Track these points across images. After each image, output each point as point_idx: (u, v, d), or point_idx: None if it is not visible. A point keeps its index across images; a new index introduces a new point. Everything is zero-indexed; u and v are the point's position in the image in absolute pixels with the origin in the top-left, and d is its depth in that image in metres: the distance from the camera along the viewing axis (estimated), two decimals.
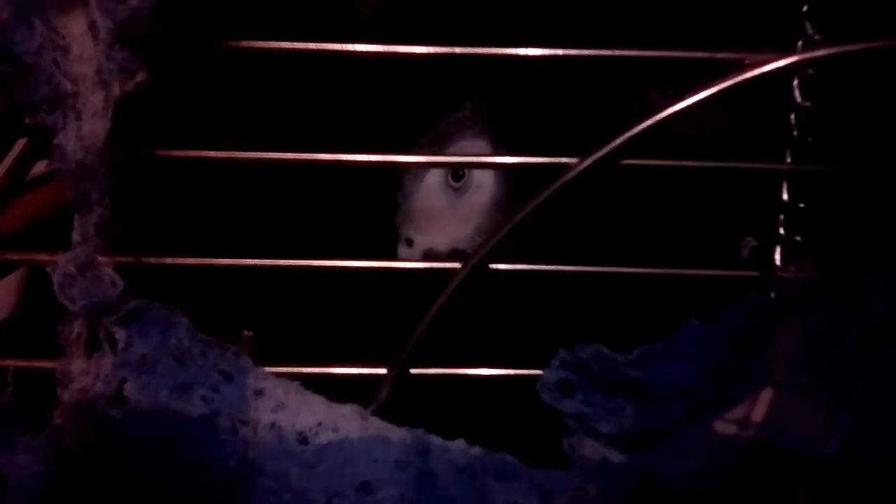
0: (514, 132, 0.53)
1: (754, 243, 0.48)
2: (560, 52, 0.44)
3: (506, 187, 0.53)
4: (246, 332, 0.46)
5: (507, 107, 0.53)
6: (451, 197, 0.53)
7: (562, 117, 0.51)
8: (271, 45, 0.44)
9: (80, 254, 0.41)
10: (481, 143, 0.53)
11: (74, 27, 0.40)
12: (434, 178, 0.54)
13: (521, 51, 0.44)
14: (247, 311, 0.48)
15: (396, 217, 0.54)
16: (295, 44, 0.43)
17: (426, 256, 0.53)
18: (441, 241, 0.53)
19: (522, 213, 0.45)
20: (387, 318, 0.49)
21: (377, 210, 0.52)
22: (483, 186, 0.53)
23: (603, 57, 0.44)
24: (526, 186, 0.43)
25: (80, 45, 0.41)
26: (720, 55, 0.44)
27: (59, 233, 0.42)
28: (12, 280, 0.57)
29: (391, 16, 0.51)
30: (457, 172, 0.53)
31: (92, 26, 0.40)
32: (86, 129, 0.41)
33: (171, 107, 0.46)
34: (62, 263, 0.41)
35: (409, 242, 0.54)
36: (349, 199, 0.50)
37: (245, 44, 0.43)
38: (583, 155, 0.43)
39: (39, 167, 0.52)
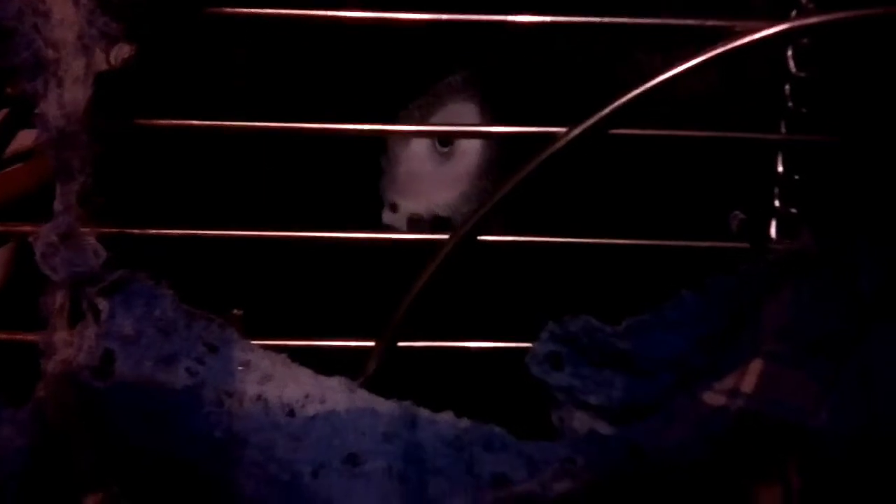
0: (505, 97, 0.52)
1: (742, 216, 0.48)
2: (547, 18, 0.43)
3: (494, 153, 0.52)
4: (235, 311, 0.46)
5: (498, 71, 0.52)
6: (438, 162, 0.52)
7: (553, 82, 0.51)
8: (255, 12, 0.43)
9: (61, 223, 0.41)
10: (471, 108, 0.53)
11: None
12: (421, 143, 0.53)
13: (509, 18, 0.43)
14: (232, 284, 0.48)
15: (381, 182, 0.53)
16: (279, 10, 0.42)
17: (411, 221, 0.53)
18: (426, 207, 0.53)
19: (510, 183, 0.44)
20: (374, 289, 0.49)
21: (362, 177, 0.51)
22: (470, 152, 0.53)
23: (591, 24, 0.44)
24: (515, 153, 0.43)
25: (61, 10, 0.40)
26: (710, 23, 0.44)
27: (43, 207, 0.42)
28: (1, 256, 0.57)
29: None
30: (445, 138, 0.52)
31: None
32: (67, 96, 0.40)
33: (155, 74, 0.45)
34: (44, 233, 0.41)
35: (394, 207, 0.53)
36: (334, 167, 0.49)
37: (229, 10, 0.43)
38: (573, 121, 0.43)
39: (26, 141, 0.51)
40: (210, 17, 0.43)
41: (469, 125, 0.52)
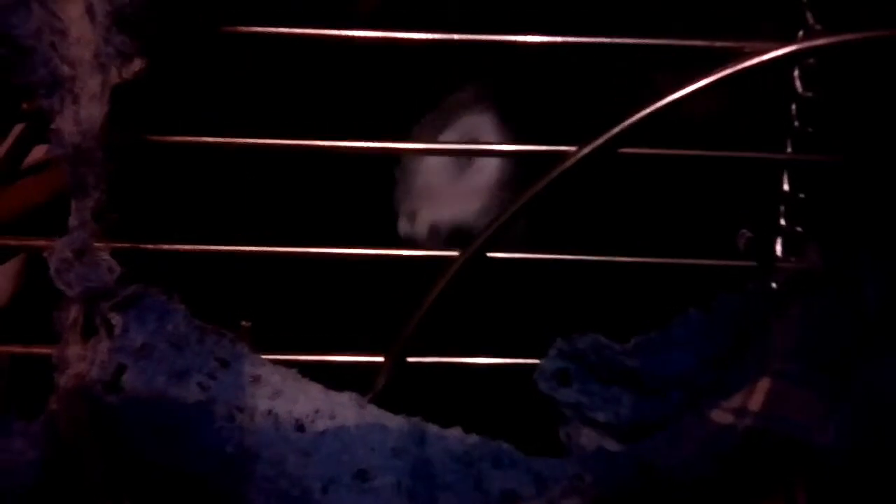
0: (522, 108, 0.52)
1: (749, 234, 0.48)
2: (558, 39, 0.44)
3: (512, 164, 0.52)
4: (244, 323, 0.46)
5: (514, 82, 0.52)
6: (459, 171, 0.52)
7: (570, 95, 0.51)
8: (270, 31, 0.43)
9: (76, 239, 0.41)
10: (487, 120, 0.53)
11: (72, 10, 0.40)
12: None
13: (520, 38, 0.43)
14: (243, 298, 0.48)
15: (395, 193, 0.53)
16: (293, 29, 0.43)
17: (431, 231, 0.53)
18: (446, 216, 0.52)
19: (520, 202, 0.45)
20: (384, 305, 0.49)
21: (373, 191, 0.52)
22: (491, 161, 0.52)
23: (601, 44, 0.44)
24: (536, 162, 0.43)
25: (78, 28, 0.41)
26: (719, 43, 0.44)
27: (57, 219, 0.42)
28: (11, 267, 0.57)
29: (394, 7, 0.50)
30: (472, 142, 0.52)
31: (89, 9, 0.40)
32: (83, 113, 0.40)
33: (170, 92, 0.46)
34: (59, 248, 0.41)
35: (412, 218, 0.53)
36: (346, 182, 0.50)
37: (243, 29, 0.43)
38: (591, 135, 0.43)
39: (38, 153, 0.52)
40: (225, 36, 0.43)
41: (477, 144, 0.53)
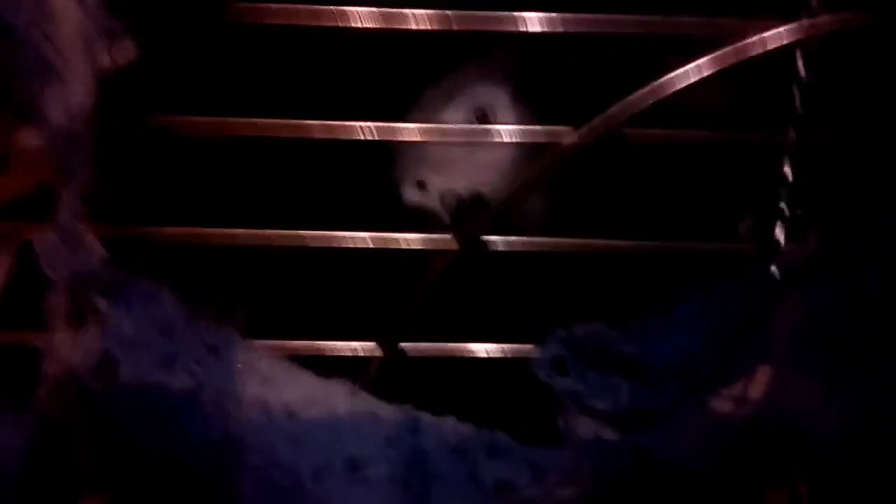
0: (534, 82, 0.51)
1: (751, 221, 0.47)
2: (559, 22, 0.43)
3: (527, 134, 0.50)
4: (238, 310, 0.45)
5: (525, 58, 0.51)
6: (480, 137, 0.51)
7: (579, 72, 0.50)
8: (263, 14, 0.43)
9: (63, 224, 0.40)
10: (501, 91, 0.52)
11: None
12: (456, 120, 0.51)
13: (521, 14, 0.43)
14: (234, 284, 0.47)
15: (398, 159, 0.51)
16: (286, 10, 0.42)
17: (443, 198, 0.52)
18: (461, 183, 0.51)
19: (517, 185, 0.44)
20: (377, 291, 0.49)
21: (366, 177, 0.51)
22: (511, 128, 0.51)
23: (602, 28, 0.43)
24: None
25: (66, 11, 0.40)
26: (721, 25, 0.43)
27: (45, 208, 0.42)
28: (2, 258, 0.57)
29: None
30: (483, 115, 0.51)
31: None
32: (70, 95, 0.40)
33: (163, 75, 0.45)
34: (45, 234, 0.40)
35: (422, 185, 0.52)
36: (339, 165, 0.49)
37: (234, 12, 0.42)
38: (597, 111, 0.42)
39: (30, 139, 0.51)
40: (220, 20, 0.42)
41: (488, 117, 0.51)
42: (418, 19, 0.42)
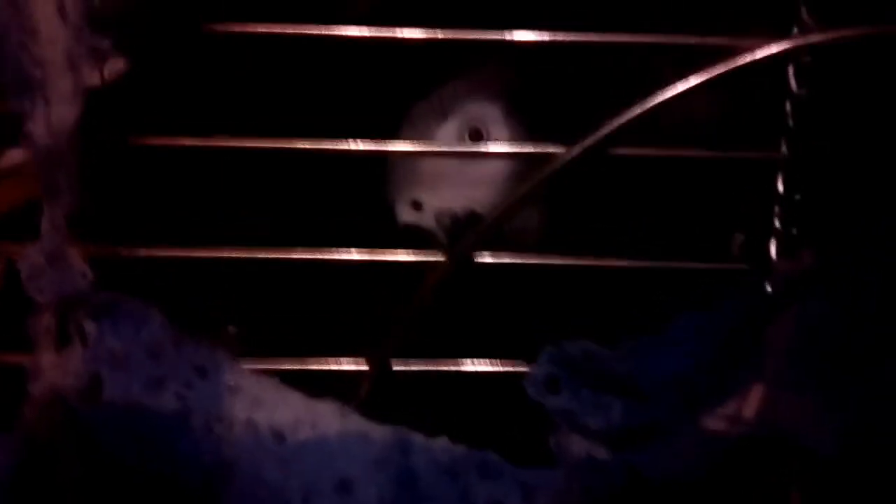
0: (528, 98, 0.51)
1: (743, 237, 0.47)
2: (547, 37, 0.43)
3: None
4: (230, 328, 0.45)
5: (519, 72, 0.51)
6: (466, 159, 0.50)
7: (572, 88, 0.49)
8: (250, 30, 0.42)
9: (48, 244, 0.40)
10: (494, 106, 0.51)
11: (43, 9, 0.39)
12: (448, 136, 0.51)
13: (513, 34, 0.43)
14: (224, 305, 0.47)
15: (393, 181, 0.51)
16: (273, 27, 0.42)
17: (439, 217, 0.51)
18: (456, 202, 0.51)
19: (507, 203, 0.44)
20: (368, 309, 0.48)
21: (358, 192, 0.50)
22: (502, 146, 0.50)
23: (593, 42, 0.43)
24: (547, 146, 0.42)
25: (48, 27, 0.39)
26: (712, 40, 0.43)
27: (33, 225, 0.41)
28: None
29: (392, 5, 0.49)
30: (476, 131, 0.51)
31: (61, 8, 0.39)
32: (54, 114, 0.39)
33: (152, 93, 0.45)
34: (30, 253, 0.40)
35: (417, 205, 0.51)
36: (329, 184, 0.48)
37: (222, 27, 0.42)
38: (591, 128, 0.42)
39: (15, 158, 0.50)
40: (207, 34, 0.42)
41: (481, 133, 0.51)
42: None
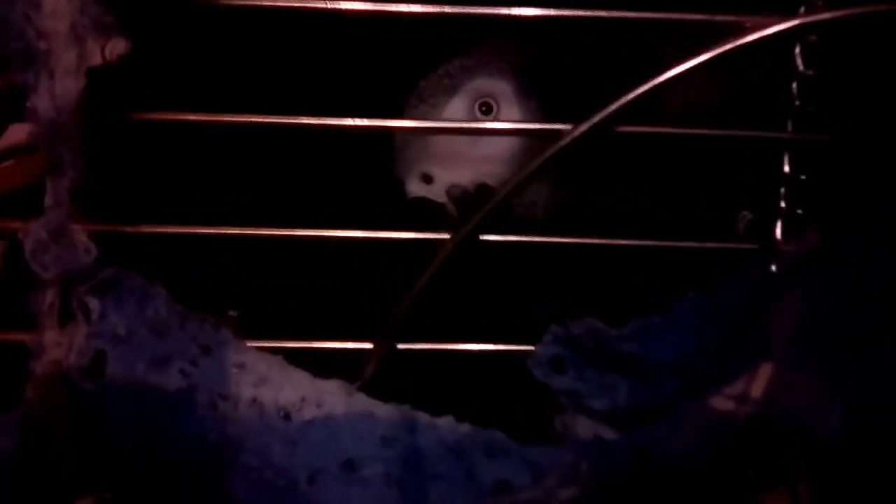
0: (538, 69, 0.50)
1: (749, 217, 0.47)
2: (552, 12, 0.42)
3: (536, 121, 0.50)
4: (231, 312, 0.45)
5: (530, 44, 0.50)
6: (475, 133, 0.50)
7: (580, 63, 0.49)
8: (252, 3, 0.42)
9: (52, 219, 0.40)
10: (503, 80, 0.51)
11: None
12: (458, 110, 0.51)
13: (515, 10, 0.42)
14: (228, 283, 0.47)
15: (401, 152, 0.51)
16: (278, 0, 0.41)
17: (450, 191, 0.51)
18: (467, 176, 0.50)
19: (513, 182, 0.43)
20: (373, 289, 0.48)
21: (361, 170, 0.50)
22: (513, 119, 0.50)
23: (600, 17, 0.43)
24: (557, 121, 0.42)
25: (56, 4, 0.39)
26: (720, 18, 0.43)
27: (35, 204, 0.41)
28: None
29: None
30: (488, 105, 0.50)
31: None
32: (59, 87, 0.39)
33: (151, 67, 0.44)
34: (34, 229, 0.40)
35: (427, 179, 0.51)
36: (333, 160, 0.48)
37: (225, 2, 0.42)
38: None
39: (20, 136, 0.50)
40: (207, 9, 0.42)
41: (492, 107, 0.51)
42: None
